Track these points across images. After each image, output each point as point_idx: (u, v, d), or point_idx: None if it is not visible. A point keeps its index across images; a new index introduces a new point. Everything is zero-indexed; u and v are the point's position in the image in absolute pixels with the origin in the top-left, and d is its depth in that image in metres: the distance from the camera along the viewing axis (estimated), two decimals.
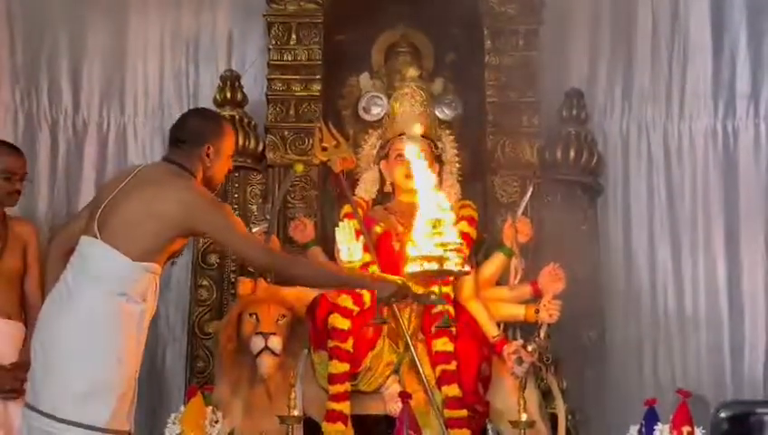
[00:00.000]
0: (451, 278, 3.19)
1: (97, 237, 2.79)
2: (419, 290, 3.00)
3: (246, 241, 2.94)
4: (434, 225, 2.81)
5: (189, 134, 2.99)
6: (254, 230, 3.80)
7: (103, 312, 2.74)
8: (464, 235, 3.70)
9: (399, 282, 2.94)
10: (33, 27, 4.80)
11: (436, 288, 2.95)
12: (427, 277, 2.85)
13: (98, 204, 2.89)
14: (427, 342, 3.56)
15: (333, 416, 3.38)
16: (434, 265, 2.77)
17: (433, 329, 3.48)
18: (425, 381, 3.40)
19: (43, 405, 2.69)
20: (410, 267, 2.81)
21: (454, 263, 2.78)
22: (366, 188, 3.95)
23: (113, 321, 2.75)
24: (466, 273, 3.00)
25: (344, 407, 3.40)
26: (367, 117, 4.31)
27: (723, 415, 3.98)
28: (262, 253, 2.97)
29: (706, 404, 4.36)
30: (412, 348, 3.46)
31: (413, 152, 3.11)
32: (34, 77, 4.81)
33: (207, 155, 2.96)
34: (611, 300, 4.57)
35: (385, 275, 3.18)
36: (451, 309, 3.55)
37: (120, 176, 2.99)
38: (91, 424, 2.67)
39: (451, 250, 2.78)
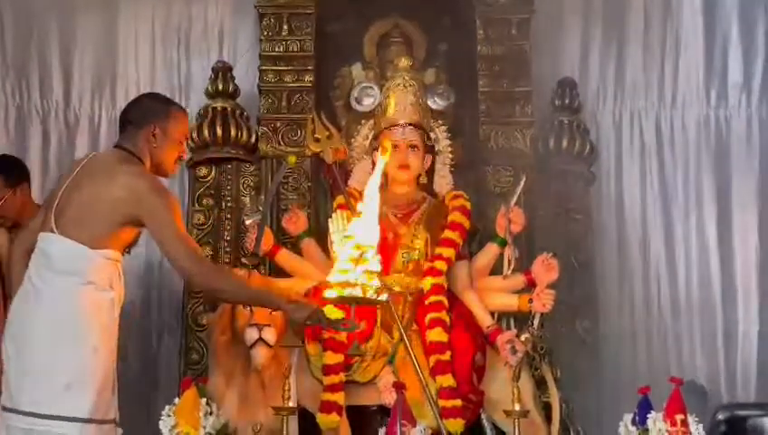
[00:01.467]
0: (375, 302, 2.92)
1: (54, 231, 2.78)
2: (333, 316, 2.94)
3: (181, 243, 2.81)
4: (362, 252, 2.76)
5: (134, 114, 2.96)
6: (247, 222, 3.80)
7: (73, 303, 2.73)
8: (457, 225, 3.72)
9: (314, 307, 2.90)
10: (23, 19, 4.79)
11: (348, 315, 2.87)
12: (345, 302, 2.81)
13: (52, 199, 2.87)
14: (421, 332, 3.56)
15: (328, 407, 3.38)
16: (357, 291, 2.72)
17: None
18: (419, 371, 3.40)
19: (22, 404, 2.68)
20: (329, 293, 2.76)
21: (374, 291, 2.73)
22: (359, 179, 3.93)
23: (84, 311, 2.73)
24: (384, 302, 2.92)
25: (339, 398, 3.40)
26: (359, 107, 4.30)
27: (720, 417, 4.00)
28: (192, 261, 2.81)
29: (704, 393, 4.38)
30: (406, 339, 3.46)
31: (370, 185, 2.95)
32: (25, 70, 4.80)
33: (153, 135, 2.91)
34: (605, 289, 4.58)
35: (300, 298, 3.14)
36: (444, 300, 3.55)
37: (71, 167, 2.96)
38: (74, 416, 2.66)
39: (373, 280, 2.73)
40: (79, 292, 2.74)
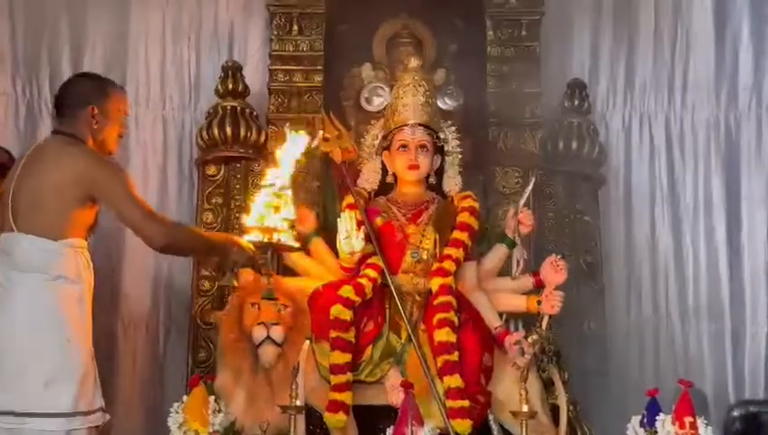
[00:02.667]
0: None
1: (14, 230, 2.77)
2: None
3: (136, 208, 2.86)
4: (279, 197, 3.16)
5: (71, 98, 2.95)
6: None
7: (43, 301, 2.73)
8: (465, 226, 3.72)
9: (250, 252, 3.17)
10: (34, 16, 4.79)
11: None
12: (263, 247, 3.22)
13: (5, 197, 2.86)
14: (428, 332, 3.56)
15: (335, 406, 3.38)
16: (277, 237, 3.19)
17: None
18: (426, 371, 3.41)
19: (4, 405, 2.68)
20: (251, 236, 3.19)
21: (288, 237, 3.23)
22: (368, 179, 3.94)
23: (55, 306, 2.74)
24: (298, 249, 3.42)
25: (346, 397, 3.40)
26: (369, 108, 4.31)
27: (735, 414, 4.00)
28: (150, 223, 2.89)
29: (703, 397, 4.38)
30: (414, 339, 3.46)
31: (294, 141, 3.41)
32: (36, 66, 4.80)
33: (93, 117, 2.92)
34: (613, 290, 4.58)
35: (240, 242, 3.28)
36: (453, 300, 3.54)
37: (14, 166, 2.96)
38: (58, 411, 2.67)
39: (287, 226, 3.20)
40: (48, 287, 2.73)
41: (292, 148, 3.35)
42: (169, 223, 3.13)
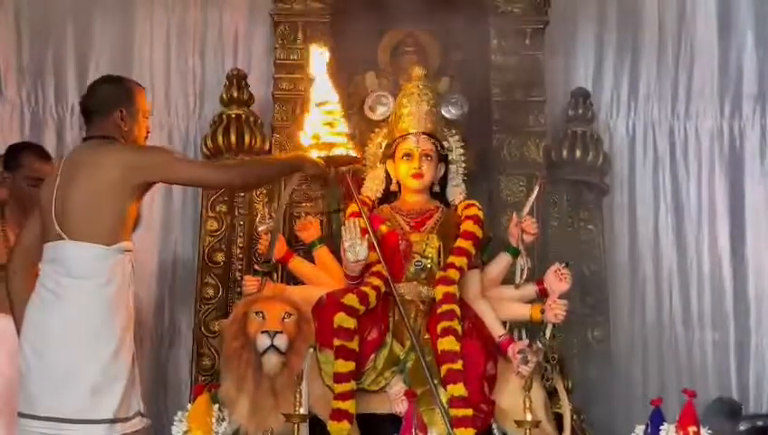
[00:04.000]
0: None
1: (62, 237, 2.79)
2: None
3: (199, 167, 3.03)
4: (331, 114, 3.37)
5: (98, 103, 2.99)
6: (260, 229, 3.80)
7: (95, 306, 2.75)
8: (469, 234, 3.72)
9: (322, 163, 3.35)
10: (39, 25, 4.82)
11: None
12: (326, 162, 3.39)
13: (47, 207, 2.87)
14: (432, 341, 3.56)
15: (339, 415, 3.37)
16: (337, 151, 3.38)
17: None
18: (430, 380, 3.40)
19: (47, 411, 2.69)
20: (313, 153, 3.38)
21: (347, 149, 3.39)
22: (372, 187, 3.94)
23: (105, 313, 2.76)
24: (358, 160, 3.62)
25: (349, 406, 3.40)
26: (373, 116, 4.31)
27: (742, 428, 3.98)
28: (218, 172, 3.07)
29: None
30: (417, 347, 3.46)
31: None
32: (41, 75, 4.83)
33: (122, 119, 2.96)
34: (617, 299, 4.57)
35: (309, 156, 3.43)
36: (456, 309, 3.55)
37: (53, 173, 2.98)
38: (101, 418, 2.69)
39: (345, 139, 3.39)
40: (100, 293, 2.76)
41: (319, 64, 3.56)
42: (234, 165, 3.34)
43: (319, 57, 3.64)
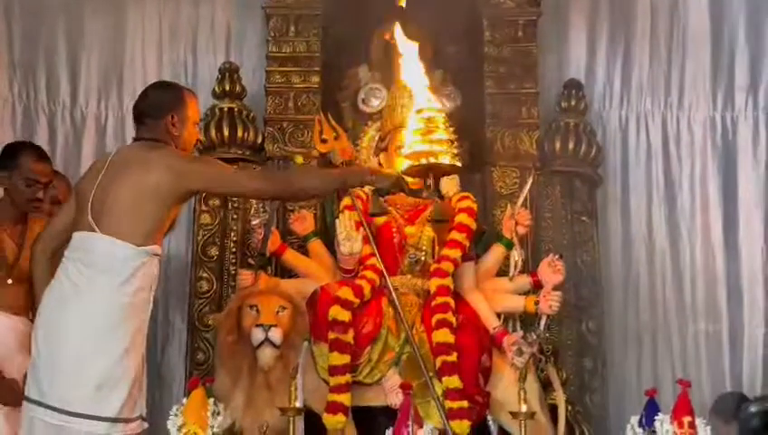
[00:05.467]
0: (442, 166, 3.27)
1: (95, 230, 2.80)
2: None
3: (244, 178, 3.03)
4: (427, 122, 3.12)
5: (151, 108, 3.02)
6: (253, 223, 3.80)
7: (112, 304, 2.76)
8: (463, 226, 3.72)
9: (395, 174, 3.21)
10: (30, 19, 4.79)
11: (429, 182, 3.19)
12: (421, 171, 3.14)
13: (84, 197, 2.89)
14: (427, 333, 3.56)
15: (334, 407, 3.38)
16: (432, 160, 3.09)
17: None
18: (425, 372, 3.41)
19: (52, 400, 2.70)
20: (406, 163, 3.16)
21: (446, 157, 3.09)
22: None
23: (121, 312, 2.77)
24: (456, 168, 3.24)
25: (345, 398, 3.40)
26: (366, 109, 4.31)
27: (753, 410, 3.97)
28: (264, 182, 3.06)
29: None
30: (412, 339, 3.46)
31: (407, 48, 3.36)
32: (32, 70, 4.80)
33: (173, 125, 3.00)
34: (611, 290, 4.58)
35: (380, 169, 3.37)
36: (451, 301, 3.55)
37: (96, 166, 3.01)
38: (104, 415, 2.70)
39: (443, 146, 3.10)
40: (120, 292, 2.77)
41: (411, 63, 3.39)
42: (280, 178, 3.29)
43: (409, 55, 3.41)
